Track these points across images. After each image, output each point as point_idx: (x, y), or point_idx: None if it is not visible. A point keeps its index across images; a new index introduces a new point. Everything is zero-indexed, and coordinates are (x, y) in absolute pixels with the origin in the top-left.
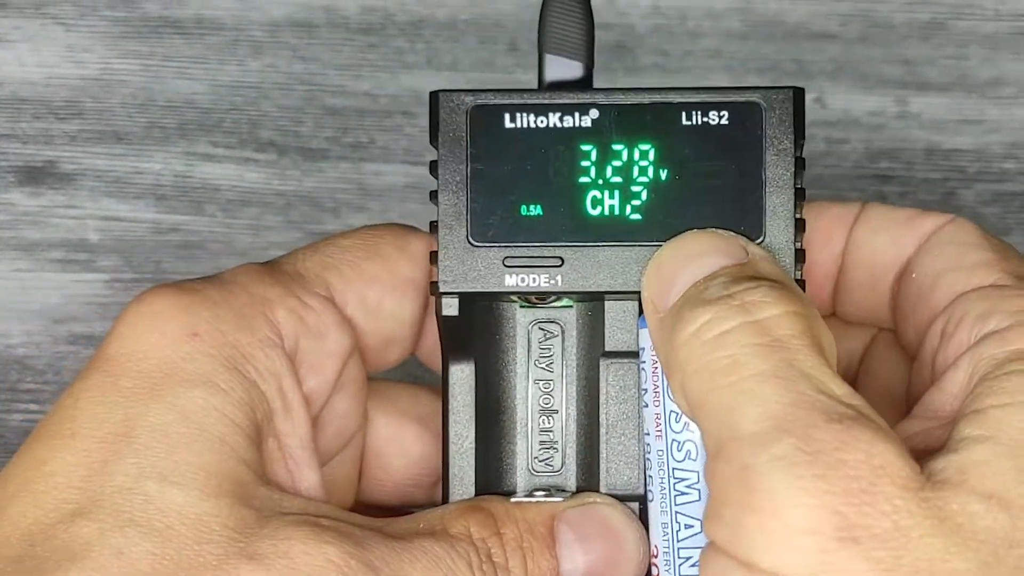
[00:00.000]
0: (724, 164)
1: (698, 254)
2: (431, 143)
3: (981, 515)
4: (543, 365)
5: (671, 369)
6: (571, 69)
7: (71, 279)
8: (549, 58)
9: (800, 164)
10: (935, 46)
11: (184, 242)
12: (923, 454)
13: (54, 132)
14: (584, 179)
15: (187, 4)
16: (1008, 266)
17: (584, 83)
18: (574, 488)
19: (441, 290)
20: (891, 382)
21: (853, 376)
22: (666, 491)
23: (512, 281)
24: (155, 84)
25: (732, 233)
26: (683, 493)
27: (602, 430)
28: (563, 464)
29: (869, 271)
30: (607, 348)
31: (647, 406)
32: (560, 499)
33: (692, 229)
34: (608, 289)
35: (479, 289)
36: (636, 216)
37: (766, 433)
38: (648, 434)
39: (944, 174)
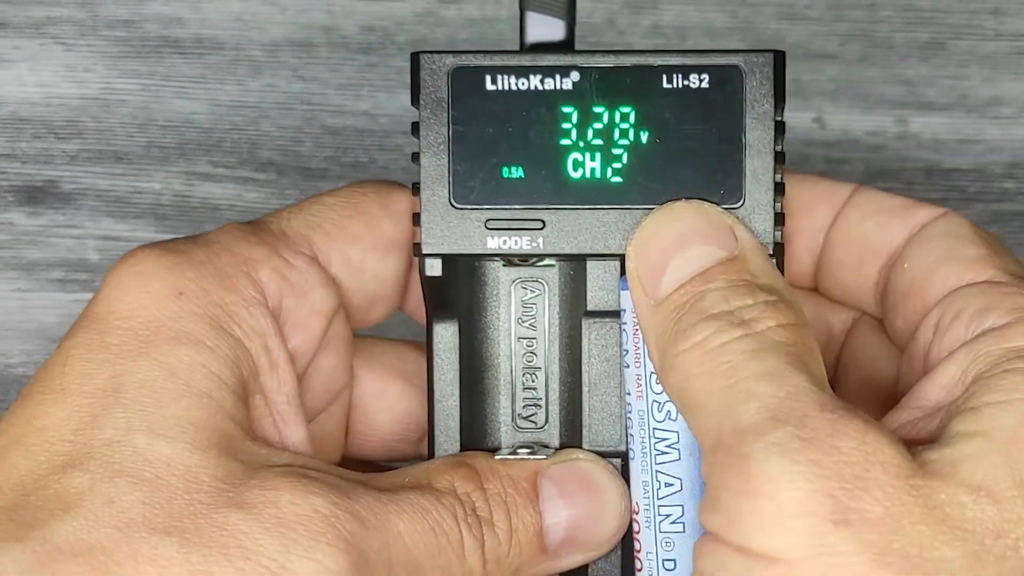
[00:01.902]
0: (704, 127)
1: (687, 238)
2: (412, 104)
3: (969, 506)
4: (526, 323)
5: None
6: (553, 27)
7: (71, 299)
8: (531, 16)
9: (780, 128)
10: (935, 66)
11: None
12: (912, 444)
13: (54, 152)
14: (565, 141)
15: (187, 24)
16: (1001, 263)
17: (566, 45)
18: (557, 445)
19: (424, 251)
20: (874, 370)
21: (835, 359)
22: (647, 450)
23: (495, 243)
24: (155, 104)
25: (717, 209)
26: (663, 452)
27: (584, 388)
28: (547, 421)
29: (857, 255)
30: (589, 307)
31: (628, 366)
32: (543, 456)
33: (674, 197)
34: (590, 252)
35: (462, 251)
36: (617, 179)
37: (763, 423)
38: (629, 394)
39: (943, 194)
